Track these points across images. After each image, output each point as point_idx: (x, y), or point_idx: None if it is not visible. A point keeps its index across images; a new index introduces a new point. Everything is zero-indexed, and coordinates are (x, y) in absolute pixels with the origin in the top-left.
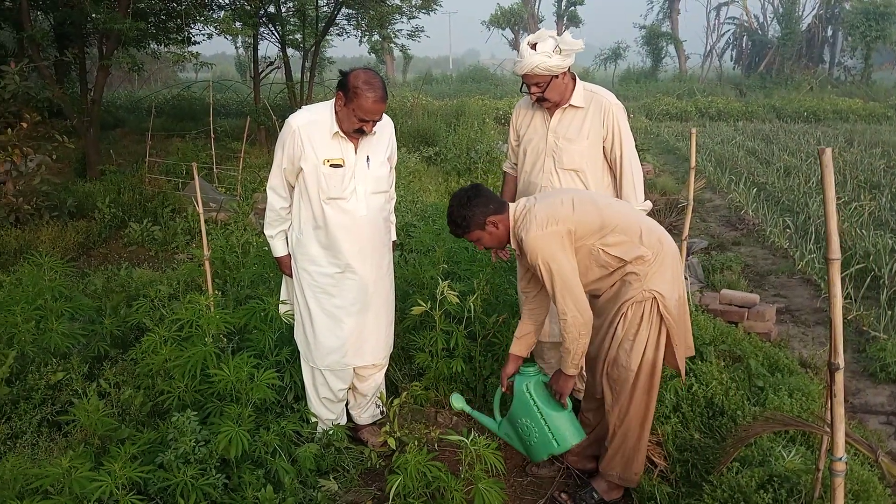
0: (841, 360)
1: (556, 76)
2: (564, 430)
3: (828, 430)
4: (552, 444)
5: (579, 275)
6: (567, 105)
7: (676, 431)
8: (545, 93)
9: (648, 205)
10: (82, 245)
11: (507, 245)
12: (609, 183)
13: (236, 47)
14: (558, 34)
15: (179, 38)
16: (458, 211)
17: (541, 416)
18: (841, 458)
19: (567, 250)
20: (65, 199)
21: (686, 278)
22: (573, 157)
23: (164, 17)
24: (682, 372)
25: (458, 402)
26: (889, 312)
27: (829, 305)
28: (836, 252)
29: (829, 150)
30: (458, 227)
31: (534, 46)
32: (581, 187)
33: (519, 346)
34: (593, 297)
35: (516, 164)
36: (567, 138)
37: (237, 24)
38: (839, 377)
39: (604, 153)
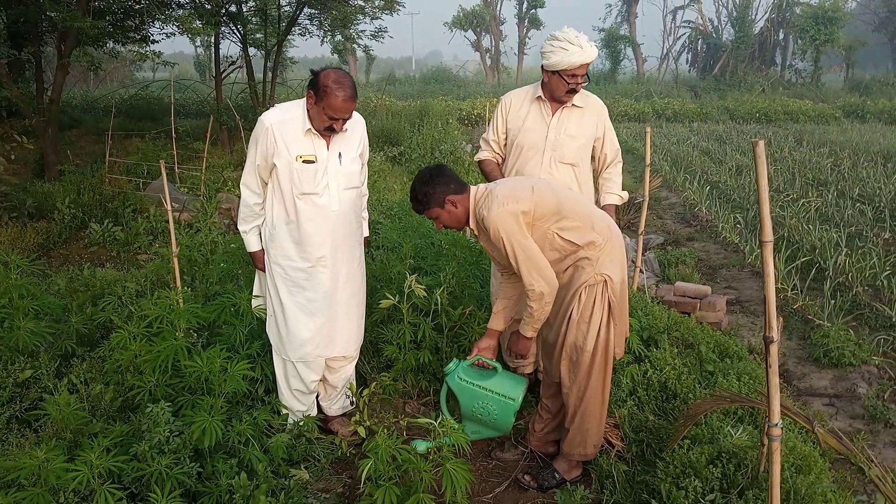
0: (776, 334)
1: None
2: (509, 386)
3: None
4: (510, 403)
5: None
6: (570, 104)
7: (632, 414)
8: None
9: (626, 194)
10: (42, 246)
11: (465, 227)
12: (590, 178)
13: (196, 47)
14: (519, 37)
15: (138, 36)
16: (420, 187)
17: (484, 389)
18: (777, 424)
19: (524, 228)
20: (24, 200)
21: (642, 272)
22: (573, 153)
23: (121, 16)
24: (622, 351)
25: (421, 446)
26: (832, 302)
27: (764, 284)
28: (768, 235)
29: (762, 143)
30: (419, 203)
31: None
32: (575, 181)
33: (497, 321)
34: None
35: (498, 153)
36: (568, 134)
37: (198, 22)
38: (774, 349)
39: (593, 151)
